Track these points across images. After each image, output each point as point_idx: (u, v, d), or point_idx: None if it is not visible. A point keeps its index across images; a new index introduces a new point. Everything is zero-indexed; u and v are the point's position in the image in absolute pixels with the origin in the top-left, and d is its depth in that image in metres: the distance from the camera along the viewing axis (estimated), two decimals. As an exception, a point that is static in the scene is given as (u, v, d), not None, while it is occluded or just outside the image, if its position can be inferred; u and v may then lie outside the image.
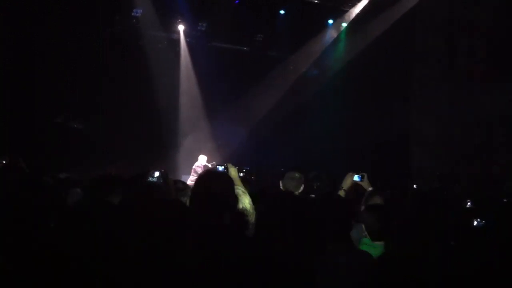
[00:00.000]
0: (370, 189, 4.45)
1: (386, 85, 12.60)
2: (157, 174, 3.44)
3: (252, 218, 3.13)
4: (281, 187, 4.39)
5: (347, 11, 13.06)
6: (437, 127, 12.01)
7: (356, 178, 4.57)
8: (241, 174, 4.17)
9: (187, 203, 2.73)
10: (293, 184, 4.31)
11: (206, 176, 2.69)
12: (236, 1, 12.26)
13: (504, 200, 5.74)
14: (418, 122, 12.53)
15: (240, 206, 3.15)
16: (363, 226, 3.40)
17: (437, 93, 12.03)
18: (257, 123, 13.51)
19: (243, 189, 3.38)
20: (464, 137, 11.45)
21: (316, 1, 12.59)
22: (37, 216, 2.21)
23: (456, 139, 11.65)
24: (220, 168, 4.10)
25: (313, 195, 4.28)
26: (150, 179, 3.38)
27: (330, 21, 13.42)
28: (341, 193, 4.41)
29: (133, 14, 11.73)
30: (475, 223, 3.51)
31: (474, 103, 10.76)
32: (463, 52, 11.60)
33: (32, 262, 2.04)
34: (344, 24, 13.34)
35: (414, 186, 9.75)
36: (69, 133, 11.37)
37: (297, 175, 4.39)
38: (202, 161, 11.11)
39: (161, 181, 3.43)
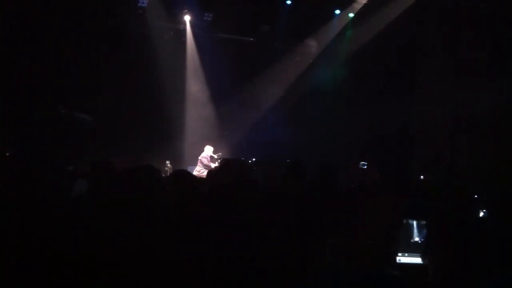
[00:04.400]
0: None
1: (390, 76, 12.54)
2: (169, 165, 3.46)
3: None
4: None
5: (354, 1, 12.96)
6: (440, 118, 11.93)
7: (360, 165, 4.58)
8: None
9: None
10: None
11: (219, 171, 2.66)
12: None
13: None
14: (421, 114, 12.48)
15: None
16: None
17: (440, 85, 11.96)
18: (262, 114, 13.49)
19: None
20: (466, 129, 11.38)
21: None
22: (38, 211, 2.20)
23: (459, 131, 11.59)
24: None
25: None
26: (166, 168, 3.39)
27: (337, 11, 13.33)
28: None
29: (139, 4, 11.71)
30: (481, 213, 3.49)
31: (477, 95, 10.65)
32: (466, 44, 11.49)
33: (33, 258, 2.03)
34: (351, 15, 13.25)
35: (421, 177, 9.73)
36: (74, 125, 11.37)
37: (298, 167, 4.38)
38: (208, 152, 11.06)
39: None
